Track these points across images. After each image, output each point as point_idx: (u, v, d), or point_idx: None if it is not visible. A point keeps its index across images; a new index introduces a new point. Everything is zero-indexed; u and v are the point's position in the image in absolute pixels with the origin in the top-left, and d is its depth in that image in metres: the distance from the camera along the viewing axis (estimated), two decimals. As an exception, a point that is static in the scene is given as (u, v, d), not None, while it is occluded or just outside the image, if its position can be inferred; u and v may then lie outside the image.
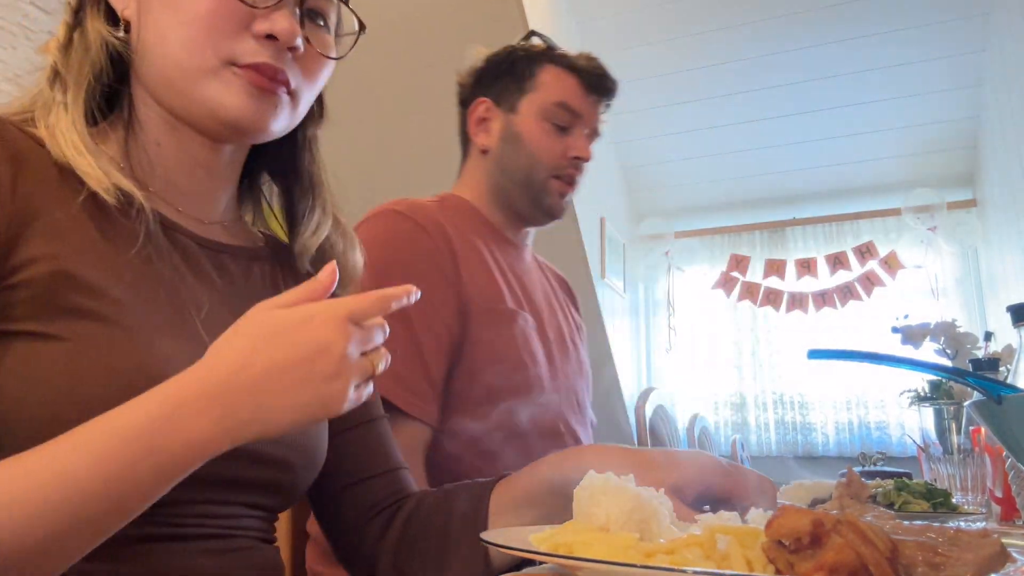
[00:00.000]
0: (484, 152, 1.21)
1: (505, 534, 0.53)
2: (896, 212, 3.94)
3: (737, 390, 4.23)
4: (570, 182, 1.21)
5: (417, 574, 0.71)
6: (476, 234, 1.16)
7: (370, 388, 0.54)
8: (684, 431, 2.31)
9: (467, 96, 1.25)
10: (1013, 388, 0.65)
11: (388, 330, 0.54)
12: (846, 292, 3.99)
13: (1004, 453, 0.96)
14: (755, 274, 4.18)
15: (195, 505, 0.58)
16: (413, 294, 0.54)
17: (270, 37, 0.61)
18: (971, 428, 1.10)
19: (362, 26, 0.70)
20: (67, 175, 0.58)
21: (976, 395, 0.67)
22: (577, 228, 3.28)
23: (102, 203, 0.58)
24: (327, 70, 0.69)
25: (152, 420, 0.46)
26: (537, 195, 1.19)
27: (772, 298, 4.11)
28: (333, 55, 0.68)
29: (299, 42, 0.63)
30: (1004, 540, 0.43)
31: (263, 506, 0.65)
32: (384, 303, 0.53)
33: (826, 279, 4.06)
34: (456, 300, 1.05)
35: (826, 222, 4.23)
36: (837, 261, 4.04)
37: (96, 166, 0.58)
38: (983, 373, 1.14)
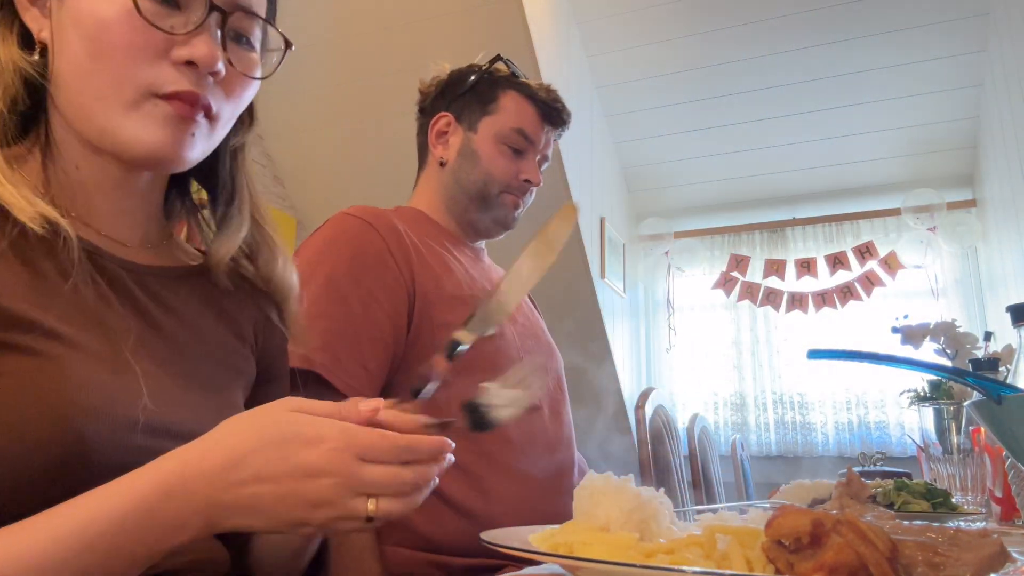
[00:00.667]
0: (441, 164, 1.29)
1: (505, 534, 0.53)
2: (896, 212, 3.94)
3: (737, 390, 4.23)
4: (520, 197, 1.28)
5: None
6: (432, 238, 1.21)
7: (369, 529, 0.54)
8: (684, 431, 2.31)
9: (428, 106, 1.32)
10: (1013, 388, 0.65)
11: (416, 481, 0.51)
12: (846, 292, 3.99)
13: (1004, 453, 0.97)
14: (755, 274, 4.18)
15: None
16: (446, 458, 0.52)
17: (189, 63, 0.60)
18: (971, 428, 1.10)
19: (288, 44, 0.68)
20: None
21: (976, 395, 0.67)
22: (577, 228, 3.28)
23: (27, 232, 0.57)
24: (251, 90, 0.67)
25: (136, 510, 0.47)
26: (490, 207, 1.26)
27: (772, 298, 4.11)
28: (257, 75, 0.66)
29: (220, 66, 0.61)
30: (1004, 540, 0.43)
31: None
32: (406, 453, 0.50)
33: (826, 279, 4.06)
34: (406, 294, 1.08)
35: (826, 222, 4.23)
36: (837, 261, 4.03)
37: (19, 195, 0.56)
38: (983, 373, 1.14)
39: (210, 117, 0.63)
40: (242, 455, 0.48)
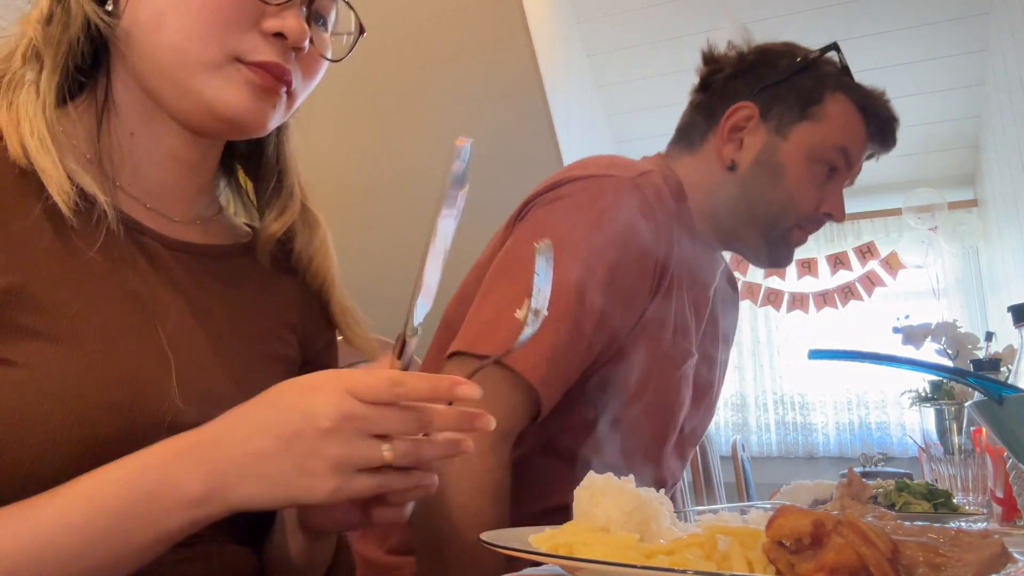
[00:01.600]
0: (729, 166, 1.01)
1: (505, 535, 0.52)
2: (897, 212, 3.94)
3: (738, 390, 4.23)
4: (812, 232, 1.03)
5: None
6: (690, 241, 1.00)
7: (408, 509, 0.52)
8: (685, 431, 2.31)
9: (721, 87, 1.05)
10: (1014, 388, 0.65)
11: (420, 418, 0.48)
12: (847, 292, 3.99)
13: (1005, 454, 0.96)
14: (756, 274, 4.18)
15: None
16: (467, 388, 0.48)
17: (278, 35, 0.59)
18: (972, 429, 1.10)
19: (362, 28, 0.68)
20: (27, 175, 0.54)
21: (977, 395, 0.67)
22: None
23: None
24: (323, 71, 0.67)
25: (146, 471, 0.46)
26: (772, 241, 1.02)
27: (773, 298, 4.11)
28: (331, 57, 0.67)
29: (307, 43, 0.61)
30: (1005, 541, 0.43)
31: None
32: (396, 390, 0.47)
33: (827, 279, 4.06)
34: (640, 309, 0.91)
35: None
36: (838, 261, 4.03)
37: (59, 165, 0.53)
38: (984, 373, 1.14)
39: (289, 93, 0.62)
40: (243, 413, 0.48)
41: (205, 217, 0.68)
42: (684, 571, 0.39)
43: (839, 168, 1.00)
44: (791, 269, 4.14)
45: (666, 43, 3.45)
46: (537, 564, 0.54)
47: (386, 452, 0.47)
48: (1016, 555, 0.42)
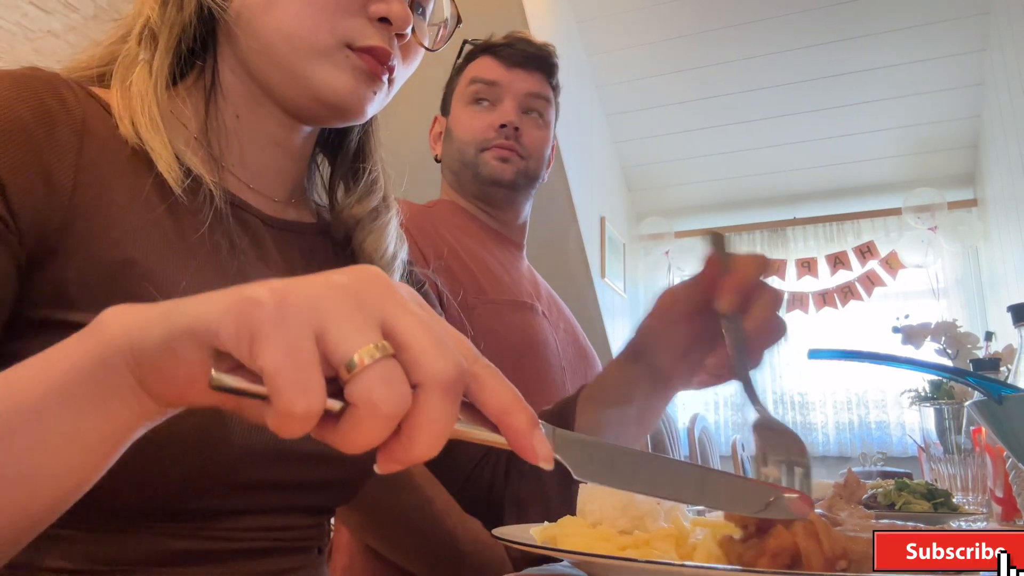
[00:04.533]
0: (438, 161, 1.27)
1: (505, 532, 0.53)
2: (897, 212, 3.94)
3: (738, 390, 4.23)
4: (502, 149, 1.17)
5: (529, 498, 0.73)
6: (469, 234, 1.17)
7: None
8: (685, 431, 2.31)
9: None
10: (1014, 388, 0.65)
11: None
12: (847, 292, 3.99)
13: (1005, 453, 0.96)
14: (755, 274, 4.18)
15: (250, 516, 0.54)
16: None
17: (383, 20, 0.59)
18: (972, 428, 1.10)
19: (459, 18, 0.68)
20: (138, 153, 0.53)
21: (977, 395, 0.67)
22: (577, 228, 3.28)
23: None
24: (420, 59, 0.67)
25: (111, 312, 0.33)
26: (478, 172, 1.18)
27: (772, 298, 4.11)
28: (428, 45, 0.67)
29: (410, 29, 0.61)
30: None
31: (320, 507, 0.62)
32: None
33: (827, 279, 4.06)
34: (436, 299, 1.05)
35: (826, 222, 4.23)
36: (838, 261, 4.04)
37: (168, 145, 0.54)
38: (984, 373, 1.14)
39: (390, 79, 0.62)
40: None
41: (299, 200, 0.69)
42: (658, 563, 0.41)
43: (484, 91, 1.20)
44: (791, 269, 4.14)
45: (666, 43, 3.44)
46: (550, 561, 0.55)
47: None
48: (963, 524, 0.43)
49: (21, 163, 0.47)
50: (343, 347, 0.28)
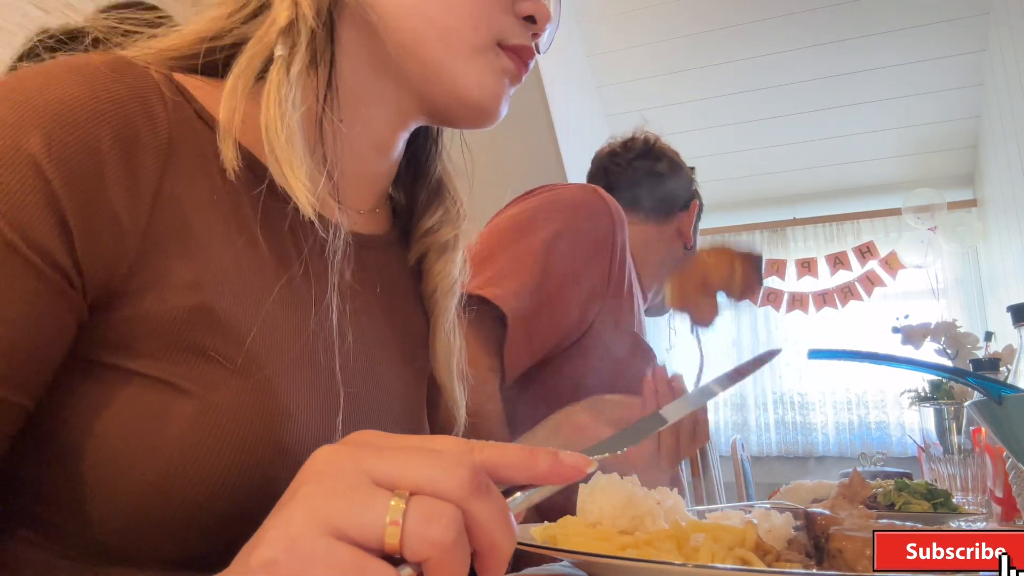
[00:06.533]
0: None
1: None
2: (896, 212, 3.94)
3: (737, 390, 4.23)
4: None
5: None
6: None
7: None
8: (684, 431, 2.30)
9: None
10: (1013, 388, 0.65)
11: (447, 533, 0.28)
12: (846, 292, 3.99)
13: (1004, 453, 0.96)
14: (755, 274, 4.18)
15: None
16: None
17: (528, 19, 0.56)
18: (971, 428, 1.10)
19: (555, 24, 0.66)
20: (240, 174, 0.46)
21: (976, 395, 0.67)
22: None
23: (275, 191, 0.47)
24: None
25: None
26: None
27: (772, 298, 4.11)
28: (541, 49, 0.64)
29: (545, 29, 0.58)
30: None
31: None
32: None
33: (826, 279, 4.06)
34: (602, 295, 1.08)
35: (826, 222, 4.23)
36: (837, 261, 4.04)
37: (309, 179, 0.46)
38: (983, 373, 1.14)
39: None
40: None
41: (381, 205, 0.63)
42: (653, 562, 0.41)
43: None
44: (791, 269, 4.14)
45: (666, 43, 3.44)
46: (551, 561, 0.55)
47: (394, 502, 0.28)
48: (964, 524, 0.43)
49: (92, 203, 0.39)
50: (370, 529, 0.27)
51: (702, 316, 1.32)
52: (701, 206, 1.43)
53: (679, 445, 0.86)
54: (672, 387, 0.86)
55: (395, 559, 0.27)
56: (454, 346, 0.64)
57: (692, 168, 1.48)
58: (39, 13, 1.91)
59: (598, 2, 3.35)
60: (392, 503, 0.27)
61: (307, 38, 0.49)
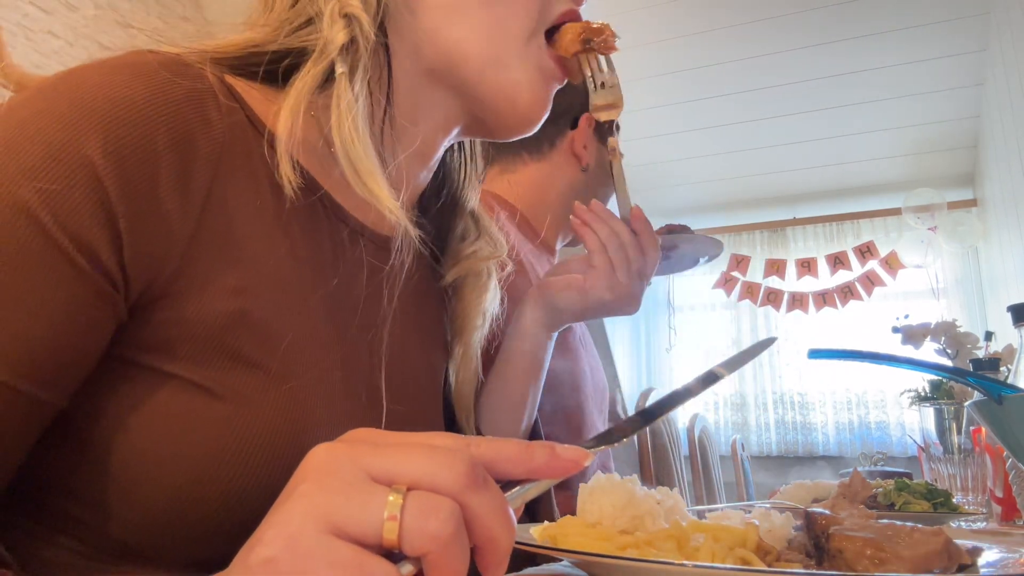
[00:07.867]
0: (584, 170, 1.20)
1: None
2: (896, 212, 3.94)
3: (737, 390, 4.23)
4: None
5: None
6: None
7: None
8: (684, 431, 2.31)
9: None
10: (1014, 388, 0.65)
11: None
12: (846, 292, 3.99)
13: (1005, 453, 0.96)
14: (755, 274, 4.18)
15: None
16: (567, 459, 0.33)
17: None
18: (972, 428, 1.10)
19: None
20: (295, 185, 0.45)
21: (977, 395, 0.67)
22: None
23: (304, 210, 0.47)
24: None
25: None
26: None
27: (772, 298, 4.11)
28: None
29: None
30: (1006, 538, 0.43)
31: None
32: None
33: (826, 279, 4.06)
34: None
35: (826, 222, 4.23)
36: (837, 261, 4.04)
37: (386, 190, 0.46)
38: (984, 373, 1.14)
39: None
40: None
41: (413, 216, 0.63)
42: (651, 561, 0.41)
43: None
44: (791, 269, 4.14)
45: (666, 43, 3.44)
46: (550, 561, 0.56)
47: (391, 498, 0.28)
48: (968, 546, 0.43)
49: (144, 205, 0.39)
50: (368, 525, 0.27)
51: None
52: (598, 122, 1.32)
53: (627, 256, 0.76)
54: (597, 212, 0.76)
55: (395, 556, 0.27)
56: (478, 368, 0.65)
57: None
58: (39, 13, 1.91)
59: (598, 2, 3.35)
60: (390, 499, 0.27)
61: (368, 55, 0.49)
